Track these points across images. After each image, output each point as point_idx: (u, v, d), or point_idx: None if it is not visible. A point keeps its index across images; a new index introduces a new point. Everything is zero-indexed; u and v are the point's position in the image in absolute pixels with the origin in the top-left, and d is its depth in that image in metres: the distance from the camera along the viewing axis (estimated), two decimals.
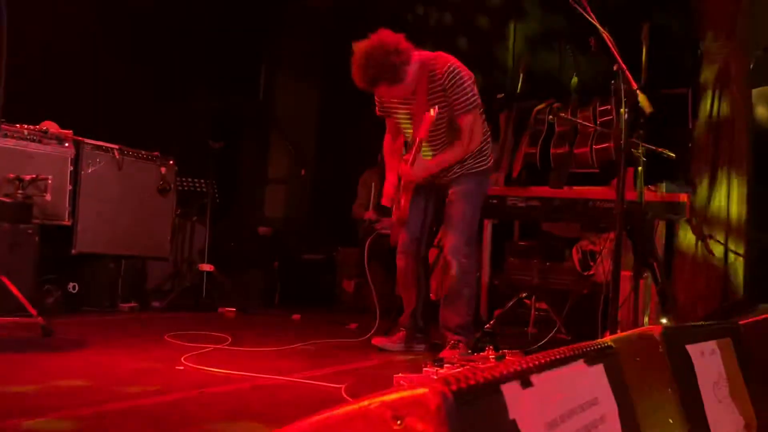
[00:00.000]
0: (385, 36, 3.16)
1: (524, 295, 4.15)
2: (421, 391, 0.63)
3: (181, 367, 2.69)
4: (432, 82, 3.25)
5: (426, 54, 3.31)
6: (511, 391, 0.74)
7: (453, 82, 3.22)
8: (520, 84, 5.20)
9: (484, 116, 3.51)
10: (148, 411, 2.06)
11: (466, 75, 3.27)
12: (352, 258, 5.62)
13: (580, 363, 0.97)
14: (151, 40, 5.53)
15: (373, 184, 5.43)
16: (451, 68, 3.23)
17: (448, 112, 3.28)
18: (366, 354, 3.39)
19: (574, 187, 4.15)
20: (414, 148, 3.28)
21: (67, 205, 4.13)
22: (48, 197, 3.94)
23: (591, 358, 1.00)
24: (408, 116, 3.40)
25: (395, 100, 3.39)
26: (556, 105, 4.81)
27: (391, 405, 0.63)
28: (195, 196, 5.24)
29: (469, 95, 3.25)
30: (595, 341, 1.10)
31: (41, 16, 4.82)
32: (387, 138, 3.62)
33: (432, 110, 3.15)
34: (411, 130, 3.41)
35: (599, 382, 1.01)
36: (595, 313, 3.36)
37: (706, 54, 4.03)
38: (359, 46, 3.16)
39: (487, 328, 4.15)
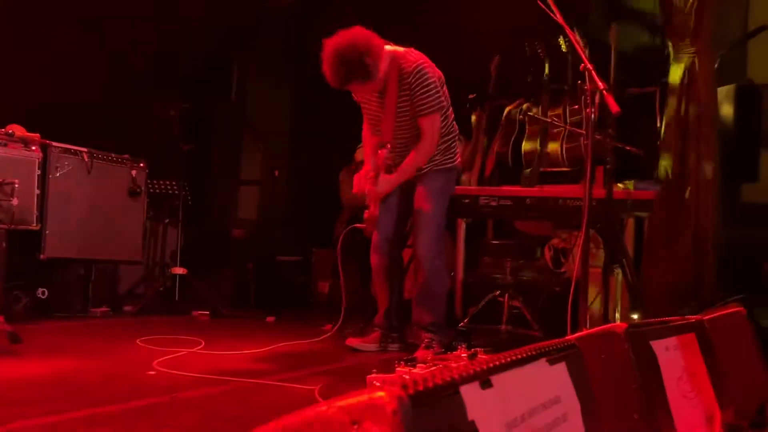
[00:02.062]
0: (356, 34, 3.15)
1: (498, 293, 4.18)
2: (378, 395, 0.63)
3: (153, 372, 2.66)
4: (401, 78, 3.26)
5: (396, 50, 3.32)
6: (470, 392, 0.74)
7: (419, 82, 3.24)
8: (491, 83, 5.23)
9: (452, 114, 3.53)
10: (118, 417, 2.04)
11: (433, 76, 3.27)
12: (327, 259, 5.61)
13: (541, 362, 0.98)
14: (120, 40, 5.46)
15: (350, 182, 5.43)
16: (419, 68, 3.24)
17: (413, 110, 3.29)
18: (340, 355, 3.39)
19: (545, 186, 4.19)
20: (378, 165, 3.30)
21: (35, 209, 4.07)
22: (15, 201, 3.87)
23: (553, 357, 1.02)
24: (378, 111, 3.39)
25: (367, 95, 3.40)
26: (526, 104, 4.85)
27: (349, 409, 0.63)
28: (167, 199, 5.18)
29: (432, 97, 3.26)
30: (557, 340, 1.12)
31: (5, 16, 4.74)
32: (365, 127, 3.62)
33: (384, 150, 3.22)
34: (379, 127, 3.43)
35: (561, 380, 1.02)
36: (567, 310, 3.39)
37: (672, 53, 4.09)
38: (330, 44, 3.15)
39: (461, 326, 4.18)
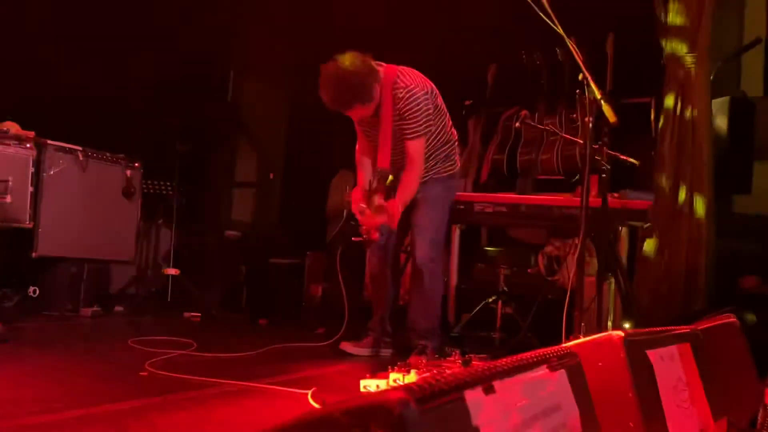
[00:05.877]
0: (354, 57, 3.14)
1: (491, 299, 4.18)
2: (383, 398, 0.63)
3: (145, 373, 2.65)
4: (395, 102, 3.25)
5: (389, 69, 3.29)
6: (474, 397, 0.74)
7: (408, 107, 3.22)
8: (488, 91, 5.24)
9: (450, 122, 3.52)
10: (109, 418, 2.02)
11: (425, 100, 3.25)
12: (321, 263, 5.59)
13: (542, 369, 0.98)
14: (116, 40, 5.44)
15: (347, 187, 5.39)
16: (410, 93, 3.21)
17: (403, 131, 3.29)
18: (333, 359, 3.38)
19: (540, 194, 4.20)
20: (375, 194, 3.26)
21: (28, 207, 4.04)
22: (8, 199, 3.85)
23: (553, 364, 1.02)
24: (374, 133, 3.37)
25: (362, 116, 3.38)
26: (523, 112, 4.86)
27: (354, 413, 0.63)
28: (161, 199, 5.16)
29: (420, 123, 3.25)
30: (557, 347, 1.12)
31: (1, 13, 4.72)
32: (359, 146, 3.59)
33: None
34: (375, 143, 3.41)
35: (562, 387, 1.02)
36: (560, 318, 3.40)
37: (668, 64, 4.11)
38: (330, 70, 3.10)
39: (454, 332, 4.18)
